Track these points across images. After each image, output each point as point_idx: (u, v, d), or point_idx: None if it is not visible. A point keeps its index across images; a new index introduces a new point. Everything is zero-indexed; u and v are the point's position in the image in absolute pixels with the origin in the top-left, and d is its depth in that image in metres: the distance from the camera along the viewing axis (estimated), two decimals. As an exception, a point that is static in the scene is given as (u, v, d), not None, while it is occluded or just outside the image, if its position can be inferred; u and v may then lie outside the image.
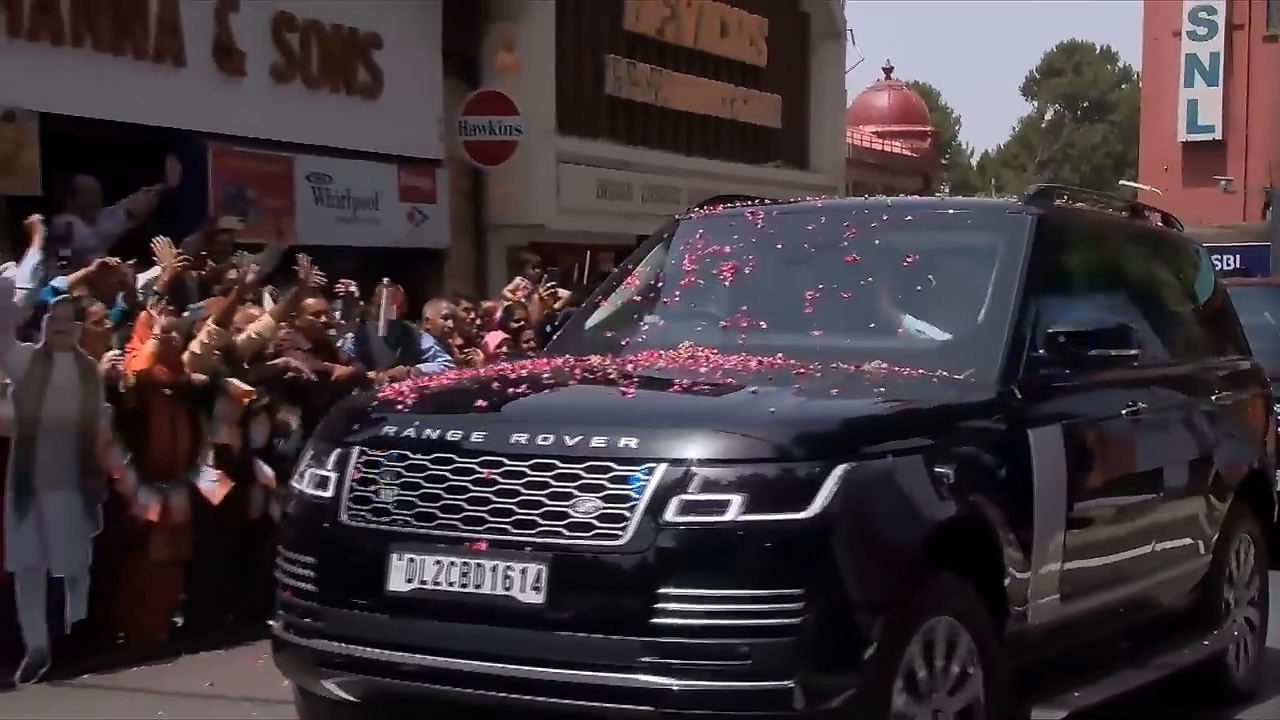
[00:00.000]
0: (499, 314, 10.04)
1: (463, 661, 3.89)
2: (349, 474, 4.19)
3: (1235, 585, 5.99)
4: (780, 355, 4.63)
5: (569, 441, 3.91)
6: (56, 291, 7.08)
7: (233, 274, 8.15)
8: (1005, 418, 4.54)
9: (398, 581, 4.00)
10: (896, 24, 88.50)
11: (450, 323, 9.31)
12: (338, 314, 8.68)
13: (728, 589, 3.72)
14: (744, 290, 5.17)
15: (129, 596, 6.94)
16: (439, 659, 3.93)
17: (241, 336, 7.53)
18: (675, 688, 3.69)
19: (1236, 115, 36.05)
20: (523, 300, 10.07)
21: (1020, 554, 4.43)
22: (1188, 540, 5.60)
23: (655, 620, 3.72)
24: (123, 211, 9.22)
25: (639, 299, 5.52)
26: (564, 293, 10.22)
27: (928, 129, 32.03)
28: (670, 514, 3.77)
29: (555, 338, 5.62)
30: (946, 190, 41.66)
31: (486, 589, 3.88)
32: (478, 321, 9.90)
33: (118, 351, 7.09)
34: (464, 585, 3.91)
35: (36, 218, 7.29)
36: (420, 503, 4.04)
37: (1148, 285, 6.01)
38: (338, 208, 11.93)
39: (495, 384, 4.46)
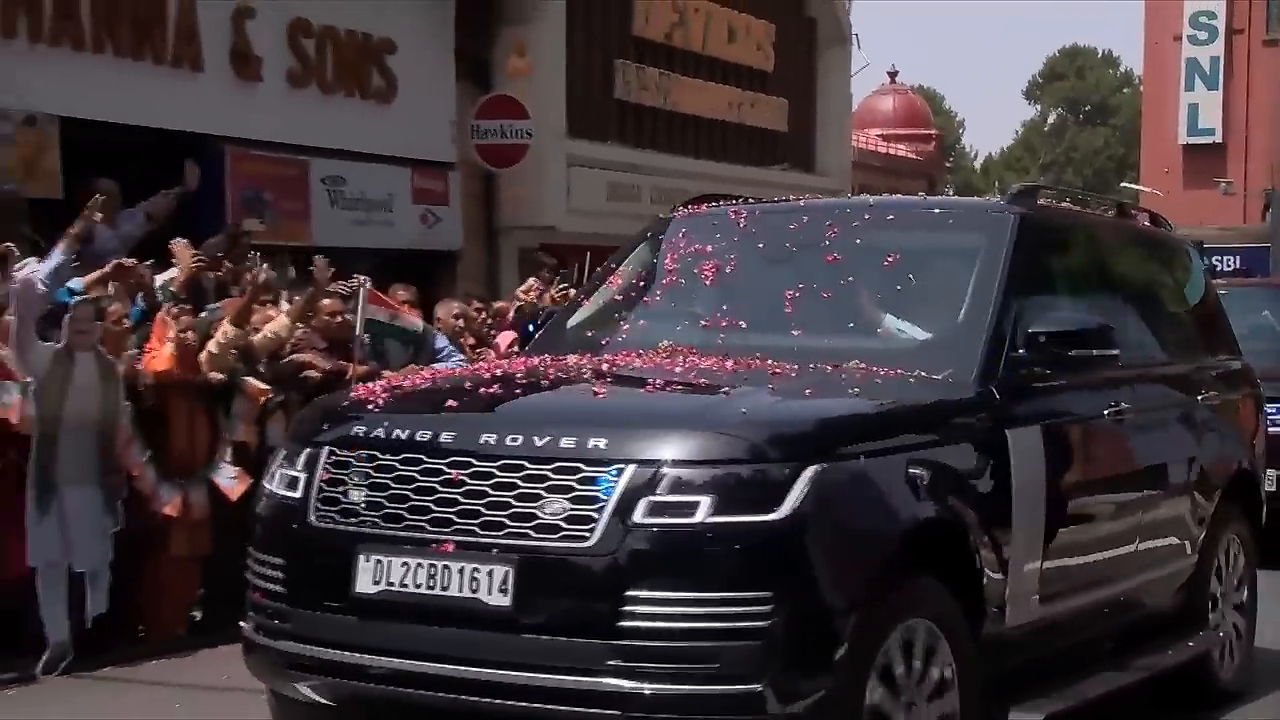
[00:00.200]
0: (511, 314, 10.05)
1: (430, 664, 3.79)
2: (318, 474, 4.08)
3: (1223, 586, 5.87)
4: (759, 355, 4.54)
5: (538, 442, 3.81)
6: (73, 292, 7.10)
7: (249, 275, 8.17)
8: (983, 418, 4.43)
9: (365, 583, 3.89)
10: (901, 29, 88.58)
11: (461, 322, 9.32)
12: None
13: (695, 591, 3.62)
14: (725, 290, 5.07)
15: (149, 591, 6.97)
16: (406, 662, 3.82)
17: (259, 336, 7.55)
18: (642, 691, 3.59)
19: (1236, 118, 36.00)
20: (534, 301, 10.08)
21: (997, 555, 4.31)
22: (1173, 541, 5.48)
23: (622, 623, 3.61)
24: (142, 214, 9.24)
25: (620, 298, 5.38)
26: (575, 293, 10.22)
27: (932, 132, 31.98)
28: (638, 515, 3.65)
29: (537, 337, 5.51)
30: (951, 193, 41.58)
31: (453, 591, 3.77)
32: (489, 321, 9.92)
33: (136, 351, 7.11)
34: (431, 587, 3.80)
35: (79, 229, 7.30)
36: (388, 504, 3.93)
37: (1134, 285, 5.88)
38: (352, 210, 11.96)
39: (467, 384, 4.37)
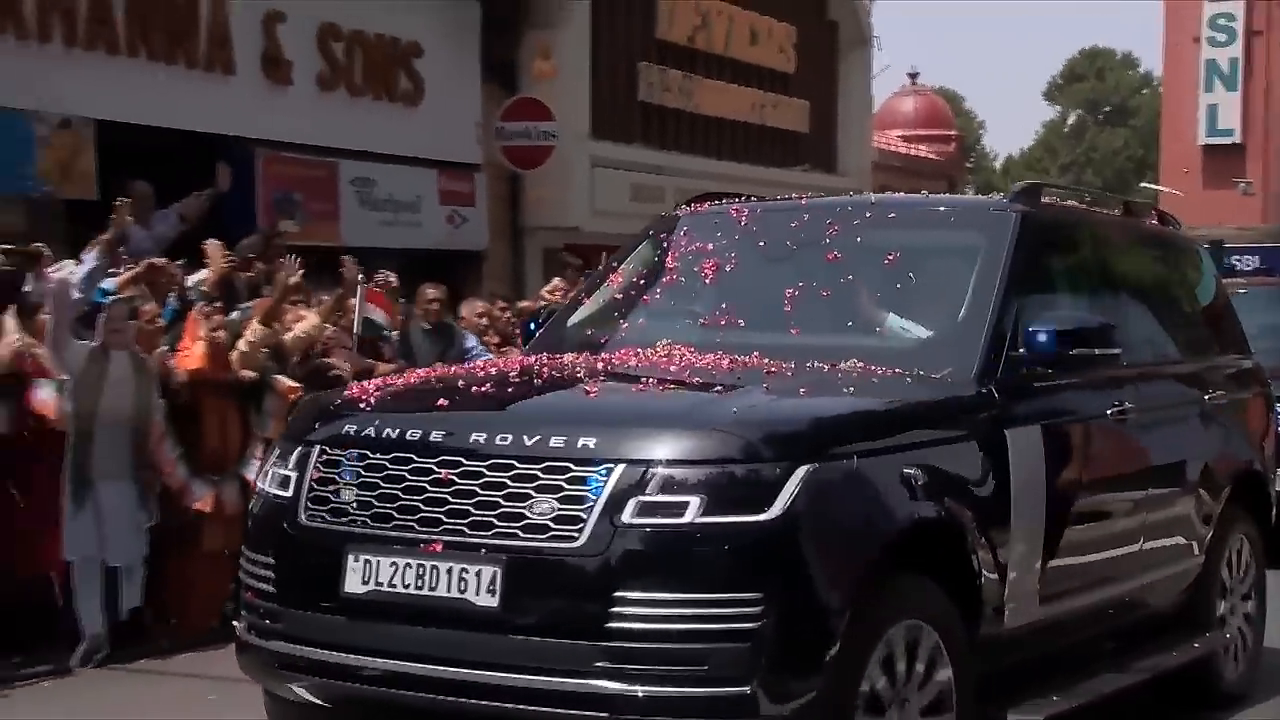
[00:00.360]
0: (537, 313, 10.06)
1: (419, 665, 3.72)
2: (309, 473, 4.01)
3: (1229, 587, 5.77)
4: (756, 354, 4.45)
5: (527, 441, 3.73)
6: (106, 293, 7.16)
7: (280, 276, 8.22)
8: (982, 417, 4.34)
9: (354, 583, 3.82)
10: (922, 31, 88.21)
11: (485, 321, 9.34)
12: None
13: (684, 593, 3.54)
14: (724, 288, 4.99)
15: (182, 585, 7.02)
16: (395, 662, 3.76)
17: (289, 335, 7.60)
18: (630, 694, 3.51)
19: (1255, 119, 35.75)
20: (560, 300, 10.09)
21: (995, 556, 4.22)
22: (1179, 541, 5.38)
23: (611, 625, 3.53)
24: (175, 215, 9.31)
25: (621, 297, 5.30)
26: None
27: (953, 133, 31.84)
28: (627, 516, 3.57)
29: (537, 336, 5.43)
30: (971, 193, 41.42)
31: (441, 591, 3.70)
32: (514, 321, 9.94)
33: (169, 349, 7.16)
34: (419, 587, 3.73)
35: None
36: (377, 503, 3.86)
37: (1140, 284, 5.75)
38: (381, 211, 12.00)
39: (460, 383, 4.27)
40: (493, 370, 4.52)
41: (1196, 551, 5.50)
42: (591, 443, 3.68)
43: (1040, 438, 4.51)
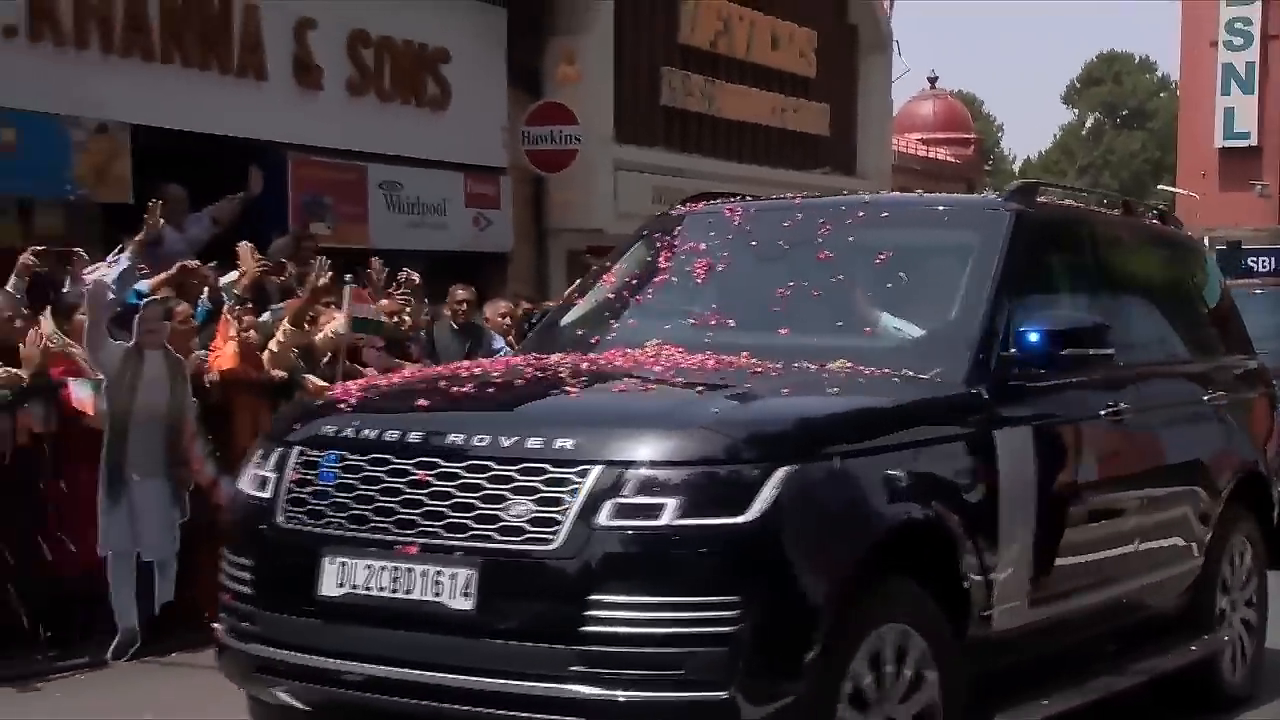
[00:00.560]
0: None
1: (394, 669, 3.61)
2: (287, 474, 3.90)
3: (1230, 588, 5.61)
4: (745, 354, 4.32)
5: (504, 442, 3.62)
6: (139, 295, 7.21)
7: (310, 278, 8.25)
8: (970, 418, 4.21)
9: (329, 586, 3.72)
10: (941, 36, 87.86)
11: (508, 321, 9.36)
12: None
13: (660, 596, 3.43)
14: (716, 288, 4.89)
15: (214, 580, 7.03)
16: (370, 666, 3.65)
17: (319, 335, 7.63)
18: (610, 699, 3.40)
19: (1272, 122, 35.53)
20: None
21: (982, 558, 4.10)
22: (1177, 542, 5.24)
23: (586, 628, 3.42)
24: (208, 218, 9.38)
25: (614, 296, 5.18)
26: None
27: (971, 136, 31.74)
28: (603, 518, 3.46)
29: (530, 336, 5.33)
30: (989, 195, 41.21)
31: (416, 594, 3.59)
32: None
33: (203, 352, 7.21)
34: (394, 590, 3.62)
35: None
36: (354, 505, 3.75)
37: (1139, 284, 5.60)
38: (408, 214, 12.05)
39: (441, 383, 4.17)
40: (476, 371, 4.42)
41: (1196, 553, 5.36)
42: (569, 444, 3.58)
43: (1031, 438, 4.40)
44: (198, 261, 7.92)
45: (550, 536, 3.50)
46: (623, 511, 3.48)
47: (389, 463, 3.75)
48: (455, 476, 3.64)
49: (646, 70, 15.37)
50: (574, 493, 3.50)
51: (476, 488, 3.61)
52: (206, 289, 7.71)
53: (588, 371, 4.27)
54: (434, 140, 12.23)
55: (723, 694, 3.42)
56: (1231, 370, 6.03)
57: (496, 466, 3.60)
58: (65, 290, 7.21)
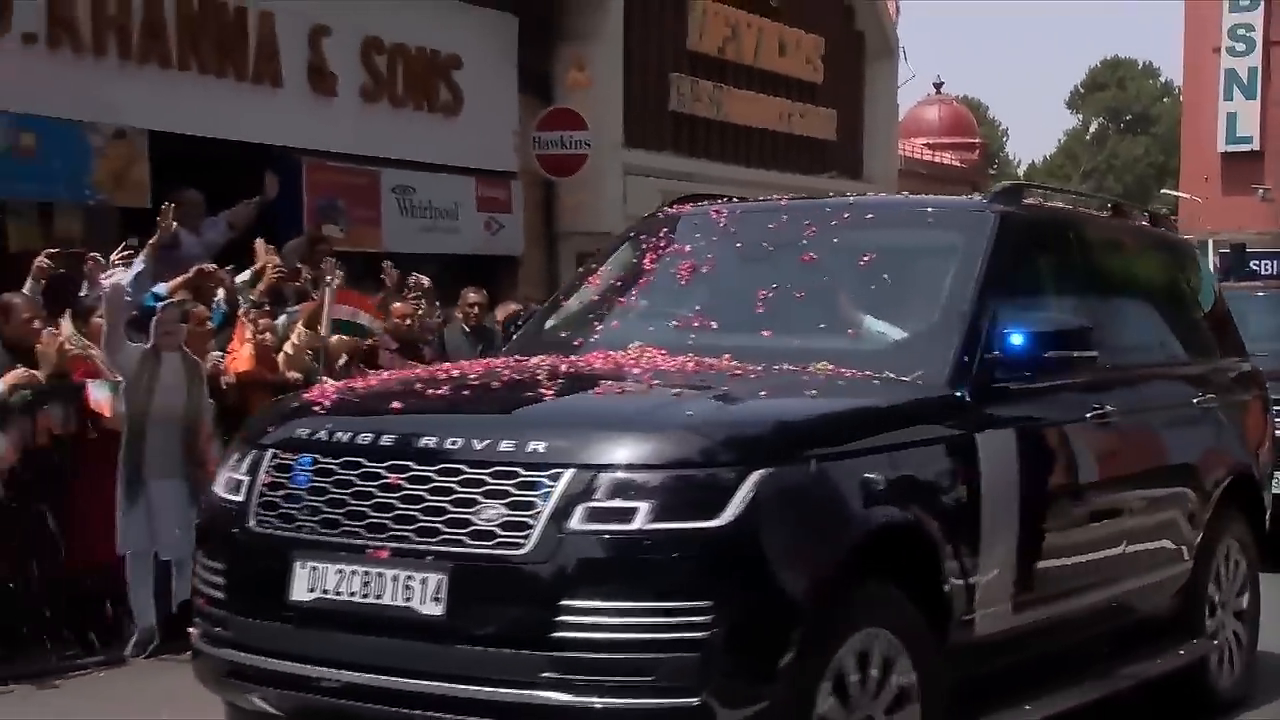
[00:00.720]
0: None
1: (366, 675, 3.52)
2: (260, 478, 3.82)
3: (1221, 591, 5.52)
4: (727, 356, 4.23)
5: (477, 446, 3.53)
6: (157, 297, 7.24)
7: (325, 280, 8.28)
8: (951, 421, 4.12)
9: (300, 590, 3.63)
10: (947, 42, 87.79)
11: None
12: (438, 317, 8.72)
13: (631, 601, 3.33)
14: (699, 290, 4.80)
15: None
16: (341, 672, 3.56)
17: (334, 338, 7.65)
18: (580, 705, 3.32)
19: (1274, 127, 35.43)
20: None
21: (964, 562, 4.01)
22: (1166, 545, 5.14)
23: (557, 634, 3.34)
24: (224, 222, 9.40)
25: (598, 298, 5.09)
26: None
27: (976, 141, 31.73)
28: (575, 522, 3.37)
29: (513, 338, 5.24)
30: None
31: (387, 599, 3.51)
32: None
33: (219, 353, 7.23)
34: (365, 595, 3.54)
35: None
36: (326, 508, 3.66)
37: (1128, 286, 5.50)
38: (421, 218, 12.07)
39: (417, 385, 4.10)
40: (454, 373, 4.34)
41: (1185, 556, 5.28)
42: (541, 446, 3.49)
43: (1014, 441, 4.30)
44: (214, 265, 7.95)
45: (521, 541, 3.42)
46: (595, 515, 3.40)
47: (361, 466, 3.66)
48: (427, 480, 3.56)
49: (655, 76, 15.39)
50: (546, 496, 3.42)
51: (448, 491, 3.53)
52: (223, 291, 7.74)
53: (566, 374, 4.17)
54: (446, 145, 12.25)
55: (695, 700, 3.34)
56: (1224, 373, 5.95)
57: (469, 470, 3.52)
58: (83, 293, 7.24)
